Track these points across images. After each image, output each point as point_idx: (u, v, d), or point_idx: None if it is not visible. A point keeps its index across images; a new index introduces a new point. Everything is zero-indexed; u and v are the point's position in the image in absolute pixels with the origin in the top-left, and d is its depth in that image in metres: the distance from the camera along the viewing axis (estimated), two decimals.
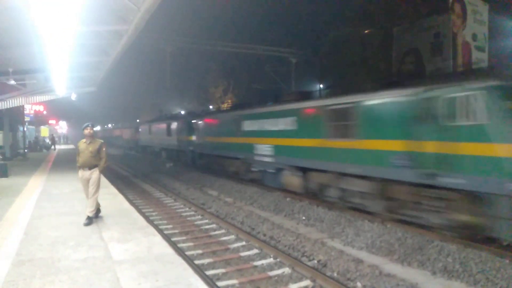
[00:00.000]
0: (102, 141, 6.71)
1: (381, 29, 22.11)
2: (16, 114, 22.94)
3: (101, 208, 6.97)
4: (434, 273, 6.10)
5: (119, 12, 7.52)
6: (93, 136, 6.59)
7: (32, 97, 15.71)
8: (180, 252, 6.97)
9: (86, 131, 6.51)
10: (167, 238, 7.81)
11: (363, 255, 7.01)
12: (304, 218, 9.67)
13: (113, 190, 10.47)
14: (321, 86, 26.51)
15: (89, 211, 6.49)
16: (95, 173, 6.53)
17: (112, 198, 9.02)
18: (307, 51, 27.82)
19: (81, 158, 6.48)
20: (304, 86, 26.02)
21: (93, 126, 6.65)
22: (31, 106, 28.10)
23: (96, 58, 11.46)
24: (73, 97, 18.36)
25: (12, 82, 12.99)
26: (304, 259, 6.94)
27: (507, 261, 6.15)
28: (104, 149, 6.61)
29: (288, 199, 11.59)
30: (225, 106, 33.01)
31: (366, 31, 23.38)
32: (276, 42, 27.19)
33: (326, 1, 25.61)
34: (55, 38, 6.68)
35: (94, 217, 6.66)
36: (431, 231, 7.61)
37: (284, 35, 29.46)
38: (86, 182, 6.53)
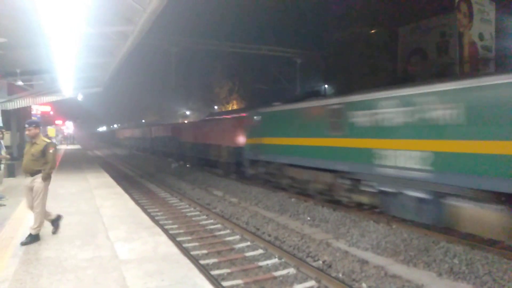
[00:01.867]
0: (48, 141, 5.55)
1: (386, 29, 22.02)
2: (23, 115, 23.13)
3: (105, 208, 6.96)
4: (440, 274, 6.06)
5: (124, 13, 7.57)
6: (36, 137, 5.49)
7: (39, 98, 15.83)
8: (186, 252, 7.00)
9: (26, 132, 5.51)
10: (172, 238, 7.85)
11: (369, 256, 6.99)
12: (309, 218, 9.65)
13: (118, 190, 10.54)
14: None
15: (32, 228, 5.42)
16: (37, 180, 5.39)
17: (118, 198, 9.08)
18: (312, 51, 27.76)
19: (23, 161, 5.53)
20: (309, 87, 25.96)
21: (34, 124, 5.52)
22: (38, 107, 28.32)
23: (102, 59, 11.54)
24: (80, 97, 18.51)
25: (20, 83, 13.13)
26: (309, 259, 6.93)
27: None
28: (51, 151, 5.43)
29: (293, 199, 11.58)
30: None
31: (371, 31, 23.31)
32: (281, 43, 27.11)
33: (331, 1, 25.53)
34: (61, 39, 6.74)
35: (54, 229, 5.86)
36: (437, 232, 7.57)
37: (289, 35, 29.34)
38: (29, 190, 5.43)
